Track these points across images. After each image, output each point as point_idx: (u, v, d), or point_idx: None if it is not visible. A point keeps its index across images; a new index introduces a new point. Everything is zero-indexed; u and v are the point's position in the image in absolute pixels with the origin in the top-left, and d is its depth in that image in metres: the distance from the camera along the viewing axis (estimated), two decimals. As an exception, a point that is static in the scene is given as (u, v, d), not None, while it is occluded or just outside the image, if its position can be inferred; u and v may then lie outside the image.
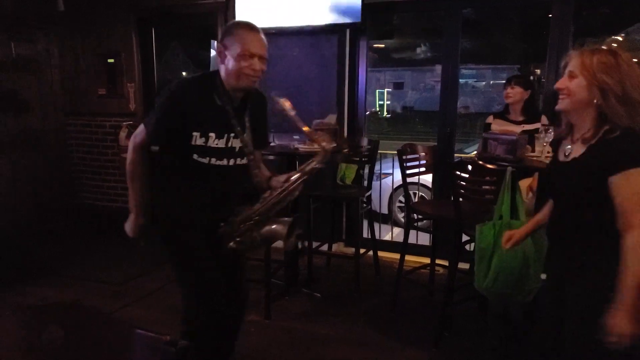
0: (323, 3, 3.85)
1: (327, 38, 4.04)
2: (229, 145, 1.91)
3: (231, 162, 1.93)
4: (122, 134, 4.84)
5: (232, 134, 1.91)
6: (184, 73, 10.17)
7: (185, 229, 1.97)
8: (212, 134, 1.86)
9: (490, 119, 3.41)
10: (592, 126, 1.51)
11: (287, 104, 1.89)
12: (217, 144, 1.88)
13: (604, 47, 1.53)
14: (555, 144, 1.74)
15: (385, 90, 23.53)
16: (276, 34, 4.10)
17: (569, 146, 1.61)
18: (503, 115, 3.38)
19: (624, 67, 1.48)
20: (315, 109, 4.00)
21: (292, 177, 1.93)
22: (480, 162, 2.68)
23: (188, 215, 1.97)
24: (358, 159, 3.82)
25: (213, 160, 1.89)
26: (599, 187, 1.45)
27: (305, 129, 1.94)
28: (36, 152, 4.80)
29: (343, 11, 3.80)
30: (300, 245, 3.58)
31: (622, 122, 1.45)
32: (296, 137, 3.46)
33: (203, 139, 1.85)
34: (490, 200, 2.45)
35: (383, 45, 19.85)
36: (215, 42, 4.51)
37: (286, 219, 1.93)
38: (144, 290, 3.55)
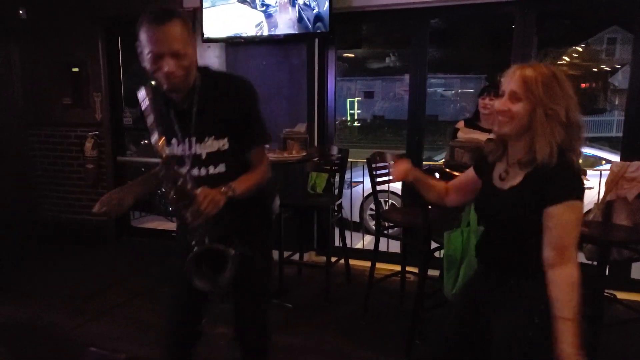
0: (292, 12, 3.86)
1: (296, 47, 4.04)
2: (194, 151, 1.72)
3: (202, 172, 1.73)
4: (88, 144, 4.74)
5: (194, 138, 1.70)
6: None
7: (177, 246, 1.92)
8: (174, 140, 1.73)
9: (460, 124, 3.43)
10: (526, 151, 1.45)
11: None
12: (182, 151, 1.73)
13: (542, 65, 1.44)
14: (485, 164, 1.64)
15: (356, 99, 23.75)
16: (245, 43, 4.10)
17: (505, 169, 1.54)
18: (473, 122, 3.40)
19: (566, 87, 1.42)
20: (285, 118, 4.00)
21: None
22: (448, 170, 2.71)
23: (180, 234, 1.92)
24: (328, 167, 3.82)
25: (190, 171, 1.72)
26: (534, 217, 1.42)
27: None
28: (-4, 163, 4.66)
29: (312, 20, 3.81)
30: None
31: (561, 145, 1.40)
32: (266, 145, 3.42)
33: (171, 146, 1.72)
34: (458, 208, 2.48)
35: (353, 55, 20.06)
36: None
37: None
38: (108, 304, 3.45)
